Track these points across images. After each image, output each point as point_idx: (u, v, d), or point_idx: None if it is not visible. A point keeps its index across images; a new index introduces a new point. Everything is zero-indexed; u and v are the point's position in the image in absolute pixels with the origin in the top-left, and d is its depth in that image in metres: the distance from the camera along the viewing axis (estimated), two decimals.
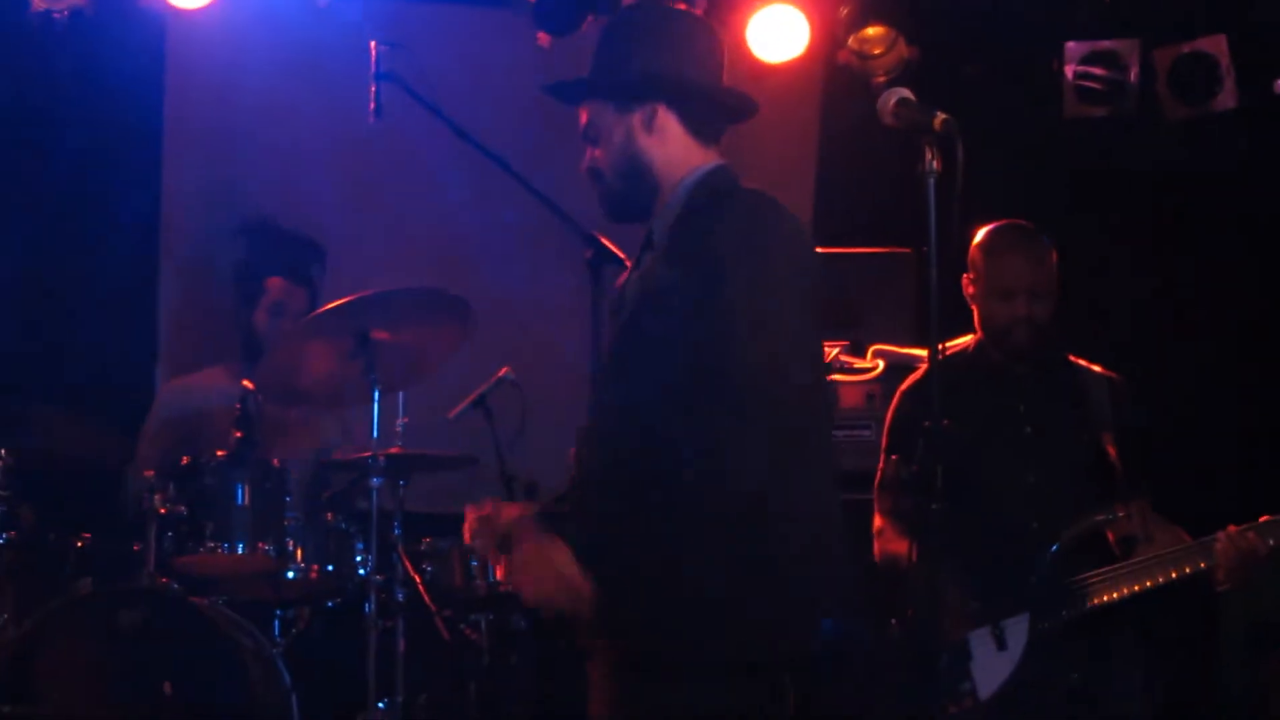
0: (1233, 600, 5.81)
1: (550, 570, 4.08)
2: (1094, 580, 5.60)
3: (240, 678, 6.36)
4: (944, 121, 4.25)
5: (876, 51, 7.83)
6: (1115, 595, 5.57)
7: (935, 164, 4.24)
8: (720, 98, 4.46)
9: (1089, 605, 5.58)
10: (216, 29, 7.74)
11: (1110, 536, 5.65)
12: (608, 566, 4.07)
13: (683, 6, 4.67)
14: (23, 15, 7.39)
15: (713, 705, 4.09)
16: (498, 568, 6.44)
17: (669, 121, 4.37)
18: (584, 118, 4.44)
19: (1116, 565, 5.61)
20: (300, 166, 8.08)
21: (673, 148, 4.39)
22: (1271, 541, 5.46)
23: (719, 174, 4.41)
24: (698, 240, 4.22)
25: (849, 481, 6.29)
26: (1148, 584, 5.55)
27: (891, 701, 5.42)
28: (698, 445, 4.03)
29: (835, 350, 6.67)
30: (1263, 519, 5.47)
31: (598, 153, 4.41)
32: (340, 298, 6.44)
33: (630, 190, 4.40)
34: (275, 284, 7.33)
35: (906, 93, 4.35)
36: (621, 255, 4.91)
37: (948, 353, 5.05)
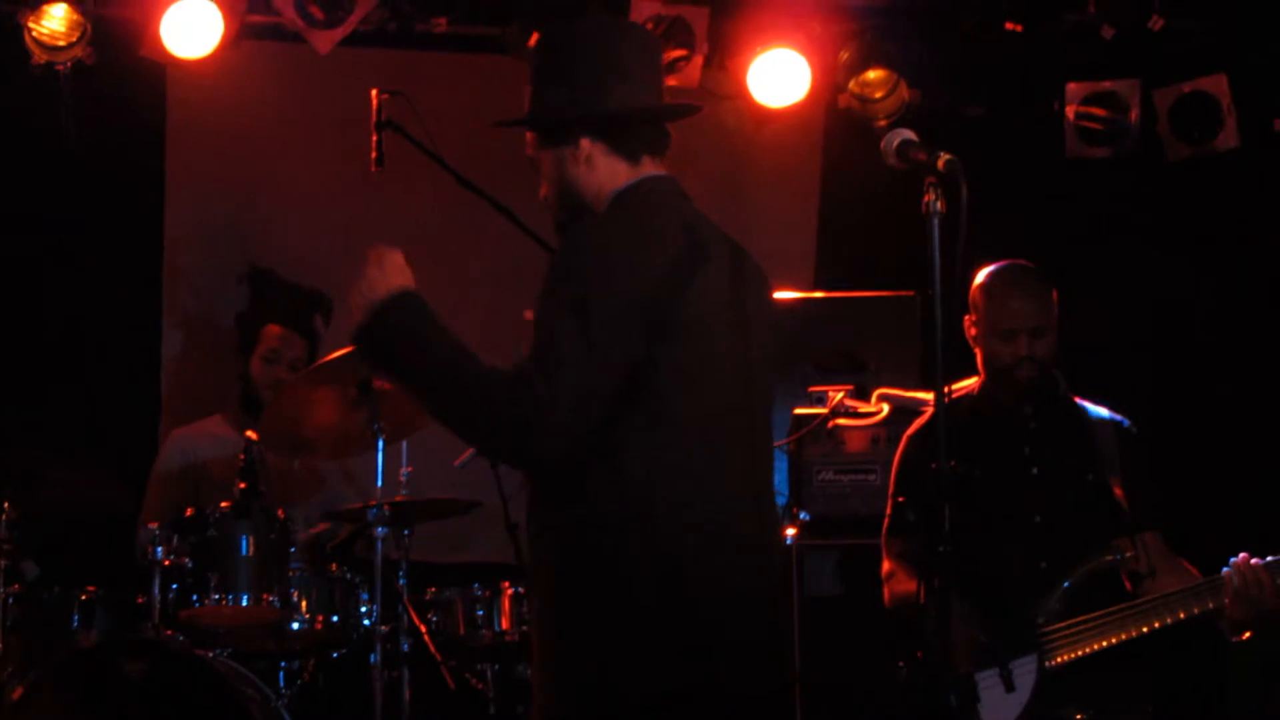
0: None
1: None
2: (1100, 621, 5.60)
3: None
4: (948, 162, 4.24)
5: (877, 95, 7.88)
6: (1123, 636, 5.57)
7: (939, 205, 4.24)
8: (646, 114, 4.50)
9: (1096, 647, 5.58)
10: (218, 78, 7.75)
11: (1122, 575, 5.67)
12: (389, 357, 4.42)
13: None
14: (25, 68, 7.41)
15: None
16: None
17: (595, 151, 4.42)
18: (529, 150, 4.55)
19: (1126, 605, 5.61)
20: (304, 214, 8.16)
21: (602, 174, 4.44)
22: (1276, 583, 5.46)
23: (638, 186, 4.44)
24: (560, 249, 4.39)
25: (857, 525, 6.33)
26: (1156, 624, 5.55)
27: None
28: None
29: (840, 394, 6.69)
30: (1270, 558, 5.46)
31: (544, 184, 4.53)
32: (344, 347, 6.40)
33: (573, 219, 4.46)
34: (271, 330, 7.34)
35: (910, 134, 4.36)
36: None
37: (953, 395, 5.04)
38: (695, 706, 4.21)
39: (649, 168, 4.45)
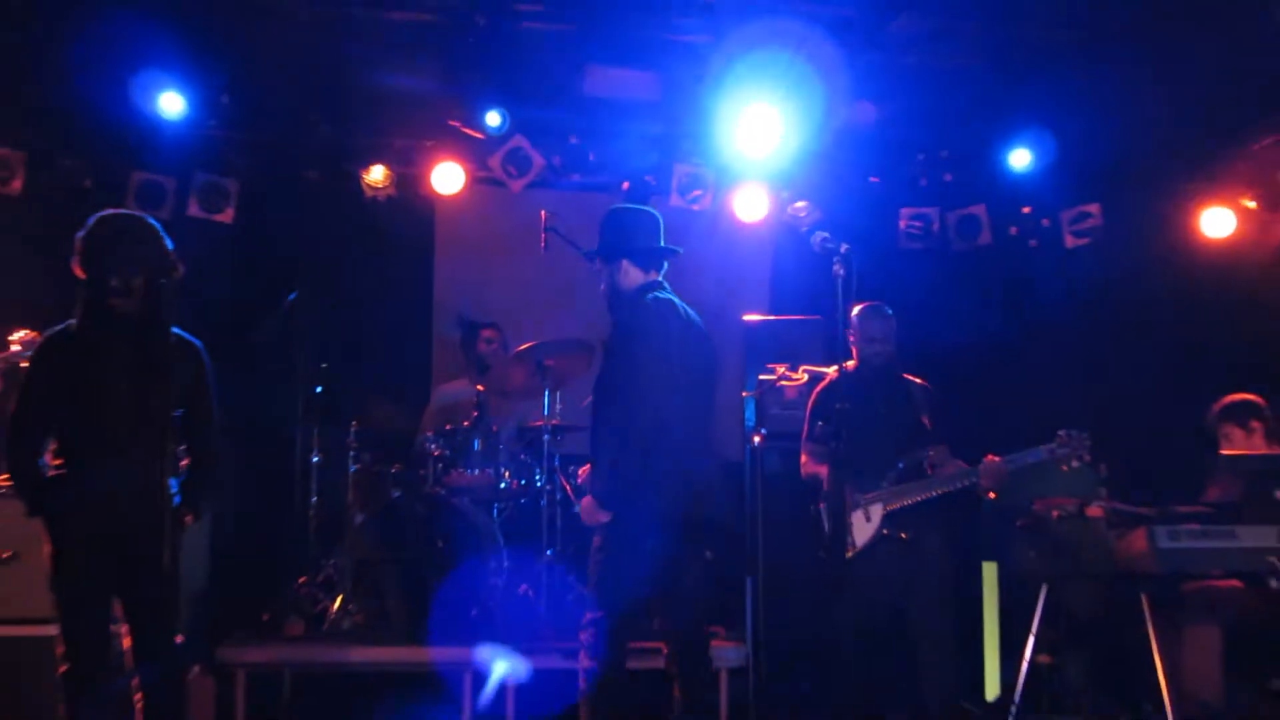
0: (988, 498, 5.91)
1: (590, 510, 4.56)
2: (915, 487, 5.68)
3: (475, 540, 6.54)
4: (846, 249, 4.53)
5: (802, 214, 7.93)
6: (927, 495, 5.68)
7: (841, 271, 4.53)
8: (656, 251, 4.75)
9: (912, 500, 5.67)
10: (463, 204, 7.75)
11: (926, 465, 5.78)
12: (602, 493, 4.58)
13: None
14: (357, 196, 7.47)
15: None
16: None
17: (629, 267, 4.71)
18: (596, 265, 4.82)
19: (928, 478, 5.73)
20: (503, 281, 8.02)
21: (631, 278, 4.73)
22: (1008, 470, 5.57)
23: (647, 286, 4.70)
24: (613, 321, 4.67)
25: (791, 437, 6.28)
26: (944, 490, 5.68)
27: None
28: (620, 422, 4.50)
29: (782, 368, 6.67)
30: (1006, 456, 5.62)
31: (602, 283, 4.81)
32: (528, 342, 6.57)
33: (613, 301, 4.77)
34: (488, 332, 7.37)
35: (826, 234, 4.64)
36: None
37: (845, 369, 5.28)
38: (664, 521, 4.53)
39: (653, 275, 4.72)
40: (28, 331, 4.94)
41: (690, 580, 4.63)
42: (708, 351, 4.75)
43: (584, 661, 4.55)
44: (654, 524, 4.50)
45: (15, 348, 4.97)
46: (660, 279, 4.74)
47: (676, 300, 4.68)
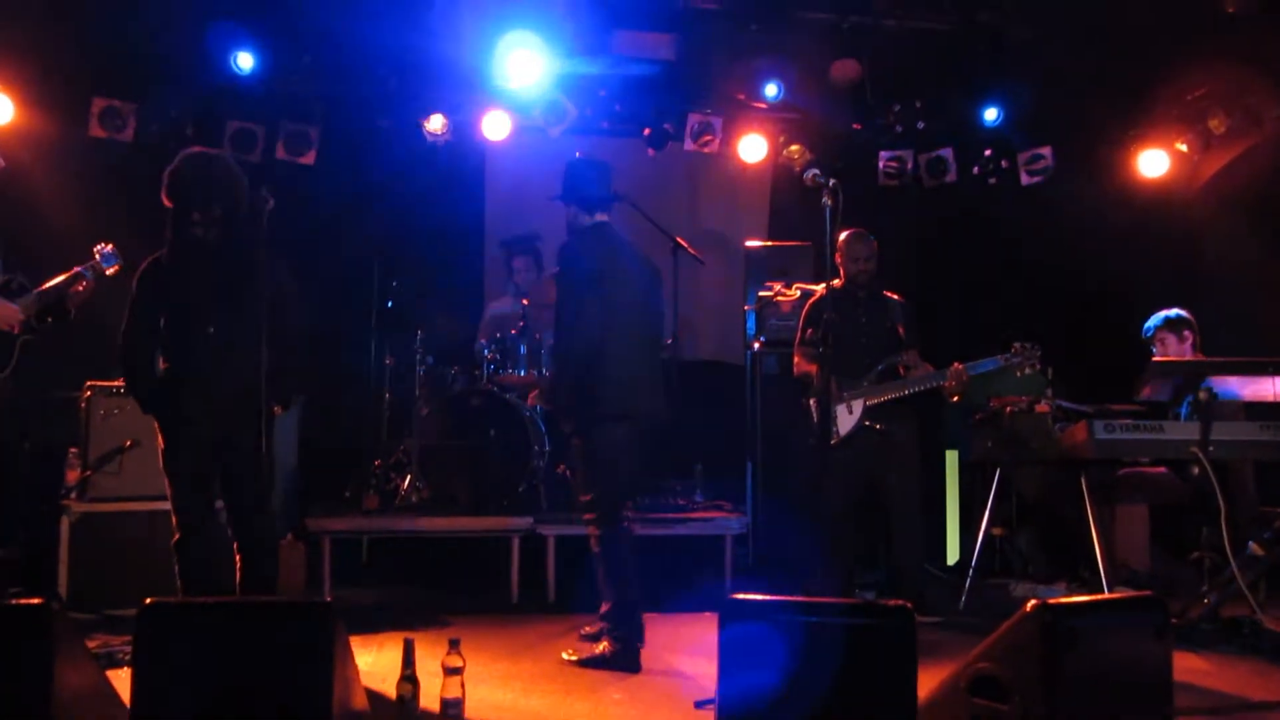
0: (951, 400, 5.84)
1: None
2: (891, 385, 5.61)
3: (521, 429, 6.45)
4: (834, 183, 4.37)
5: (795, 155, 7.70)
6: (901, 393, 5.59)
7: (829, 201, 4.36)
8: (603, 198, 4.67)
9: (889, 396, 5.60)
10: (510, 148, 7.57)
11: (900, 368, 5.71)
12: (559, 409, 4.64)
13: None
14: (420, 141, 7.30)
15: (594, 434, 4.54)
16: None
17: (578, 209, 4.64)
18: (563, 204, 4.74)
19: (901, 379, 5.65)
20: (541, 212, 7.88)
21: (579, 219, 4.64)
22: (970, 375, 5.49)
23: (593, 226, 4.65)
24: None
25: (785, 344, 6.39)
26: (916, 389, 5.60)
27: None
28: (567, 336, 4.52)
29: (779, 285, 6.62)
30: (969, 363, 5.54)
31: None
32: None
33: (569, 235, 4.68)
34: (519, 262, 7.25)
35: (817, 171, 4.47)
36: (693, 252, 5.09)
37: (832, 286, 5.16)
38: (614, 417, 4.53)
39: (599, 217, 4.65)
40: (107, 244, 4.82)
41: (625, 457, 4.68)
42: (643, 271, 4.72)
43: (591, 531, 4.65)
44: (603, 423, 4.55)
45: (97, 257, 4.86)
46: (606, 220, 4.68)
47: (612, 233, 4.68)
